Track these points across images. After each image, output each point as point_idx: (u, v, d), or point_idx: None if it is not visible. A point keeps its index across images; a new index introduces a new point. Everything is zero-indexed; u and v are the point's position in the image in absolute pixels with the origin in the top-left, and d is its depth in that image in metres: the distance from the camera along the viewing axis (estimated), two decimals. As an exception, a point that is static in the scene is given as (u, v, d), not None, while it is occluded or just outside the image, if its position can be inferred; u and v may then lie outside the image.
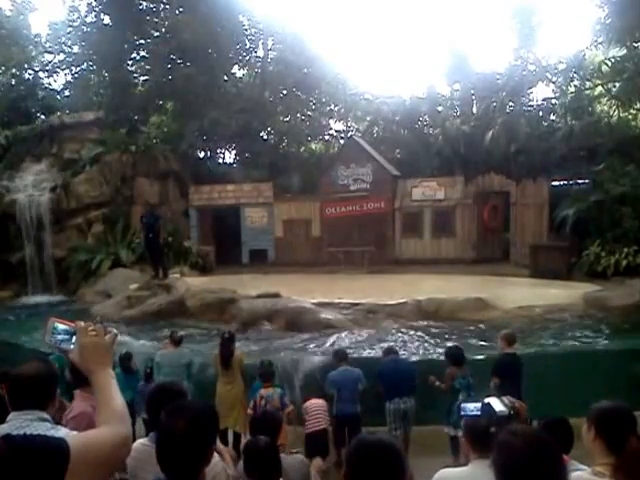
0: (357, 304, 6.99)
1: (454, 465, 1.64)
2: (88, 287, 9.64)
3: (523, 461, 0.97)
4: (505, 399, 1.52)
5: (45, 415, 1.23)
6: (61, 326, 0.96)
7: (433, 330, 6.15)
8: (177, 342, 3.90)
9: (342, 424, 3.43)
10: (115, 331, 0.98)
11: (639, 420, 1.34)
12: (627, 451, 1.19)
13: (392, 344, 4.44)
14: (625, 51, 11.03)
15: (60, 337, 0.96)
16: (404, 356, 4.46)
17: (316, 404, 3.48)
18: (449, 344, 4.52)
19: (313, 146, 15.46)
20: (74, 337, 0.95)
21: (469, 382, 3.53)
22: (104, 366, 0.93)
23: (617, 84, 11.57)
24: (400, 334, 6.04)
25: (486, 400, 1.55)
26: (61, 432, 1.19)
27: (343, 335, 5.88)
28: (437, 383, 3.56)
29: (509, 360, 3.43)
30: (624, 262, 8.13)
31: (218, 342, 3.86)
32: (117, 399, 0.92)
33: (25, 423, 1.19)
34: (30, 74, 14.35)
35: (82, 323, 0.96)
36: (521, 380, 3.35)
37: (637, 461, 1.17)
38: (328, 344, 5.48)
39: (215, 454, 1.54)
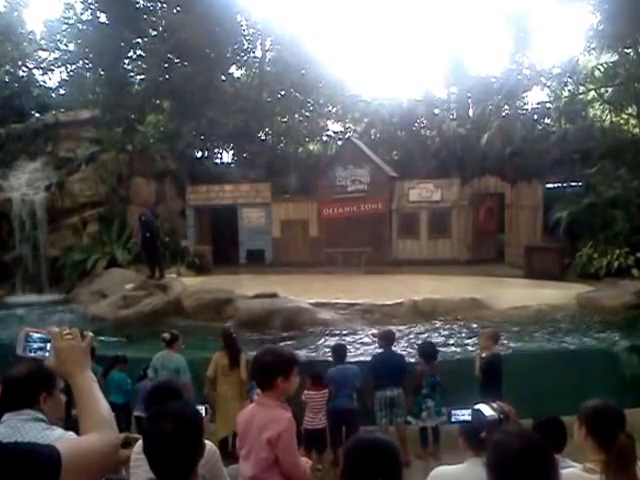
0: (354, 304, 7.04)
1: (449, 463, 1.69)
2: (83, 287, 9.56)
3: (516, 460, 1.00)
4: (494, 404, 1.57)
5: (40, 415, 1.22)
6: (36, 335, 0.94)
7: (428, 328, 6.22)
8: (169, 343, 3.85)
9: (338, 420, 3.46)
10: (91, 334, 0.97)
11: (628, 418, 1.39)
12: (616, 448, 1.24)
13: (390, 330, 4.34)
14: (617, 57, 11.25)
15: (36, 345, 0.94)
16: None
17: (315, 397, 3.48)
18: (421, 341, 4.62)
19: (311, 147, 15.49)
20: (49, 344, 0.93)
21: (435, 379, 3.60)
22: (83, 368, 0.92)
23: (609, 89, 11.79)
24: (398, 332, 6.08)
25: (475, 406, 1.59)
26: (56, 433, 1.19)
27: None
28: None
29: (496, 360, 3.46)
30: (616, 263, 8.29)
31: (221, 341, 3.81)
32: (102, 403, 0.91)
33: (20, 423, 1.19)
34: (24, 71, 14.19)
35: (56, 328, 0.94)
36: (502, 381, 3.41)
37: (626, 457, 1.23)
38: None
39: (211, 445, 1.57)
